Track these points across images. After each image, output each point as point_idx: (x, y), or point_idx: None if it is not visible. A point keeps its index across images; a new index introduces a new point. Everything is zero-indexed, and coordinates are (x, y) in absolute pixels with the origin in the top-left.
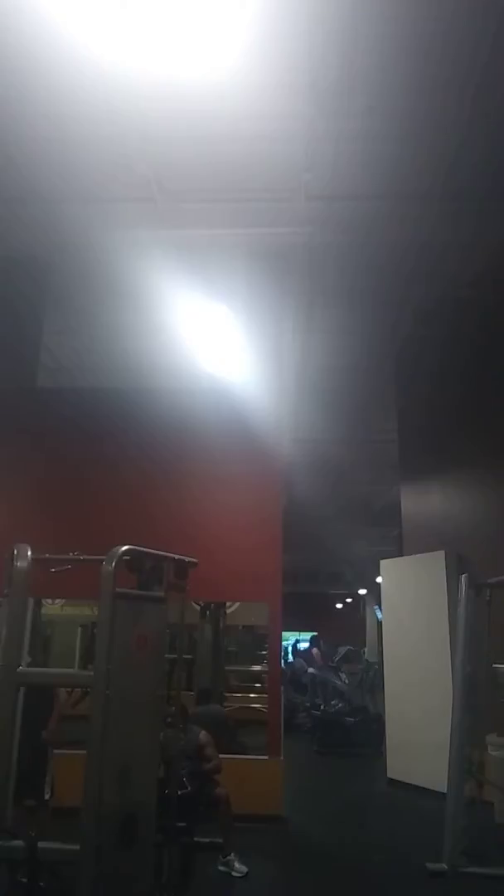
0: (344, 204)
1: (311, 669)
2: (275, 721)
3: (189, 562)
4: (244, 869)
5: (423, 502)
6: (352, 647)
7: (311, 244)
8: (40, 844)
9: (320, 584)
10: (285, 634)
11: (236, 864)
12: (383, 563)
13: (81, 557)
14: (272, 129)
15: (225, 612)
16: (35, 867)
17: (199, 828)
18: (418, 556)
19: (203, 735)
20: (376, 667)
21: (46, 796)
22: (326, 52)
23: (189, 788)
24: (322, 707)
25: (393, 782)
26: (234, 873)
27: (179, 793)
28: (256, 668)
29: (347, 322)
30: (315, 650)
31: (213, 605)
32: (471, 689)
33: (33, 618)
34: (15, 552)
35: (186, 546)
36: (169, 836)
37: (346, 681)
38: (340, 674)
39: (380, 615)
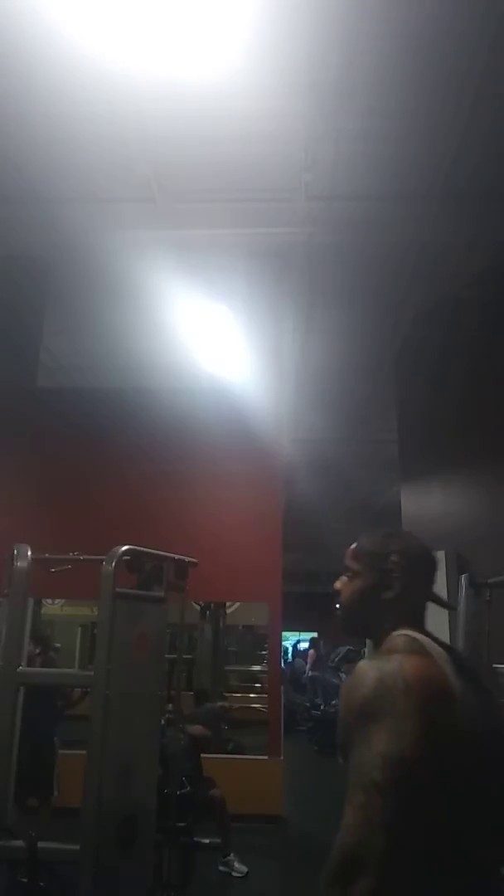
0: (344, 204)
1: (308, 672)
2: (275, 721)
3: (189, 562)
4: (244, 869)
5: (423, 502)
6: (352, 647)
7: (311, 244)
8: (40, 844)
9: (320, 584)
10: (286, 635)
11: (236, 865)
12: None
13: (81, 557)
14: (272, 129)
15: (225, 612)
16: (35, 867)
17: (198, 828)
18: None
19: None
20: None
21: (55, 793)
22: (326, 52)
23: (189, 788)
24: (322, 707)
25: None
26: (234, 873)
27: (179, 793)
28: (256, 668)
29: (347, 322)
30: (312, 652)
31: (213, 605)
32: None
33: (33, 618)
34: (15, 552)
35: (186, 546)
36: (169, 836)
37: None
38: (340, 674)
39: None
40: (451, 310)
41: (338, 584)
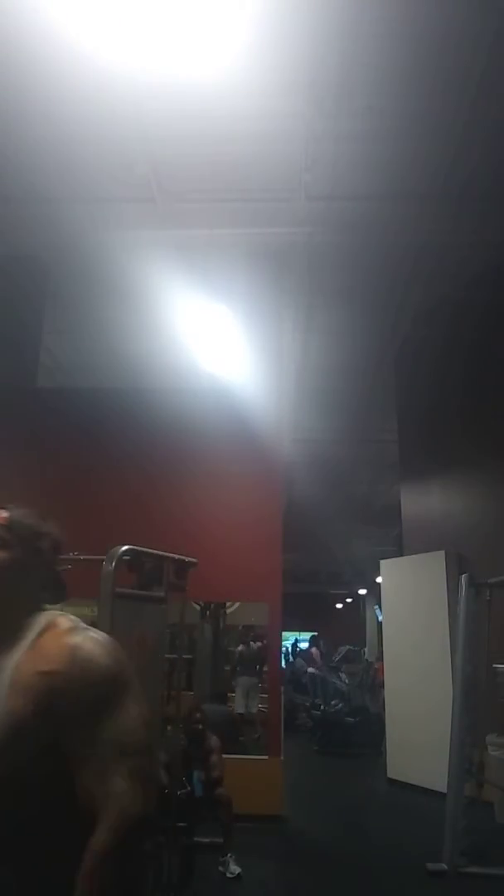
0: (344, 204)
1: (310, 669)
2: (275, 721)
3: (189, 562)
4: (236, 870)
5: (423, 502)
6: (352, 647)
7: (311, 244)
8: None
9: (320, 584)
10: (285, 634)
11: (231, 866)
12: (383, 563)
13: (81, 557)
14: (272, 129)
15: (225, 612)
16: None
17: (201, 827)
18: (418, 556)
19: (214, 741)
20: (376, 666)
21: None
22: (326, 52)
23: (189, 789)
24: (322, 707)
25: (393, 782)
26: (227, 874)
27: (179, 793)
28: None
29: (347, 322)
30: (314, 650)
31: (213, 605)
32: (471, 689)
33: None
34: None
35: (186, 546)
36: (169, 836)
37: (346, 681)
38: (340, 674)
39: (380, 615)
40: (451, 310)
41: None
